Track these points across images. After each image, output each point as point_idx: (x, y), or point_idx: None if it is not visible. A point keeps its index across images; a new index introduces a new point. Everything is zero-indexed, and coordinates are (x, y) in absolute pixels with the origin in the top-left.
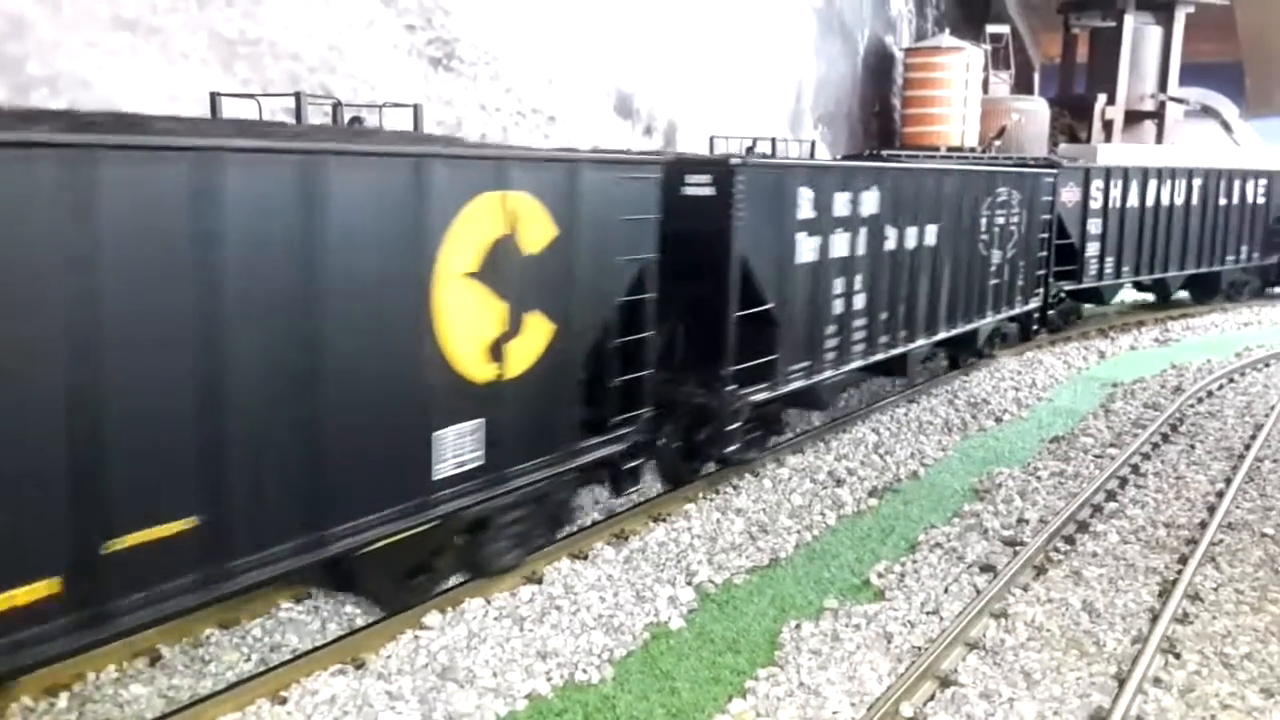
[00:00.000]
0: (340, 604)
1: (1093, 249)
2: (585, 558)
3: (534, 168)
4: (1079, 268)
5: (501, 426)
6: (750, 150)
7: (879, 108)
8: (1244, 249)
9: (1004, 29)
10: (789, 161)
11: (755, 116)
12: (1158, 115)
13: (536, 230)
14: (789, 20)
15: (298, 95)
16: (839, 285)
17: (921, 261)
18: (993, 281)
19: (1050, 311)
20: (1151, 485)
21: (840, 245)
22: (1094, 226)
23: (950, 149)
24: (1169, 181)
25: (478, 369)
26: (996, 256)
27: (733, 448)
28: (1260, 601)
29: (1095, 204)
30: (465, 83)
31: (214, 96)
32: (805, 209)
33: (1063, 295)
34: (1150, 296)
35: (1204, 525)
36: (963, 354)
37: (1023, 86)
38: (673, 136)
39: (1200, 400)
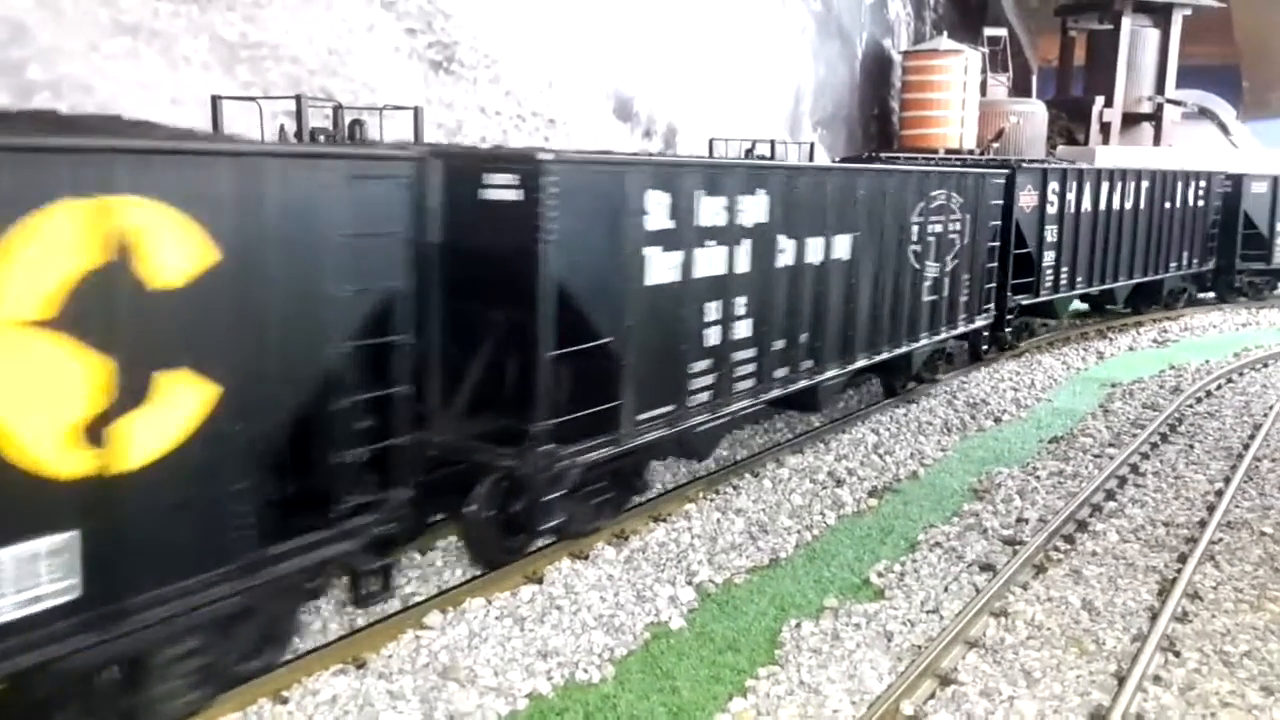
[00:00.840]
0: (341, 604)
1: (1049, 258)
2: (586, 558)
3: (170, 165)
4: (1036, 279)
5: (119, 539)
6: (749, 153)
7: (878, 111)
8: (1185, 255)
9: (1001, 32)
10: (628, 158)
11: (755, 120)
12: (1155, 117)
13: (176, 255)
14: (788, 24)
15: (298, 98)
16: (712, 310)
17: (830, 278)
18: (928, 298)
19: (1006, 329)
20: (1150, 485)
21: (711, 262)
22: (1050, 234)
23: (949, 151)
24: (1119, 184)
25: (59, 460)
26: (933, 270)
27: (554, 522)
28: (1259, 600)
29: (1052, 209)
30: (465, 86)
31: (215, 100)
32: (657, 218)
33: (1019, 309)
34: (1084, 307)
35: (1203, 524)
36: (897, 379)
37: (1020, 89)
38: (672, 139)
39: (1199, 400)
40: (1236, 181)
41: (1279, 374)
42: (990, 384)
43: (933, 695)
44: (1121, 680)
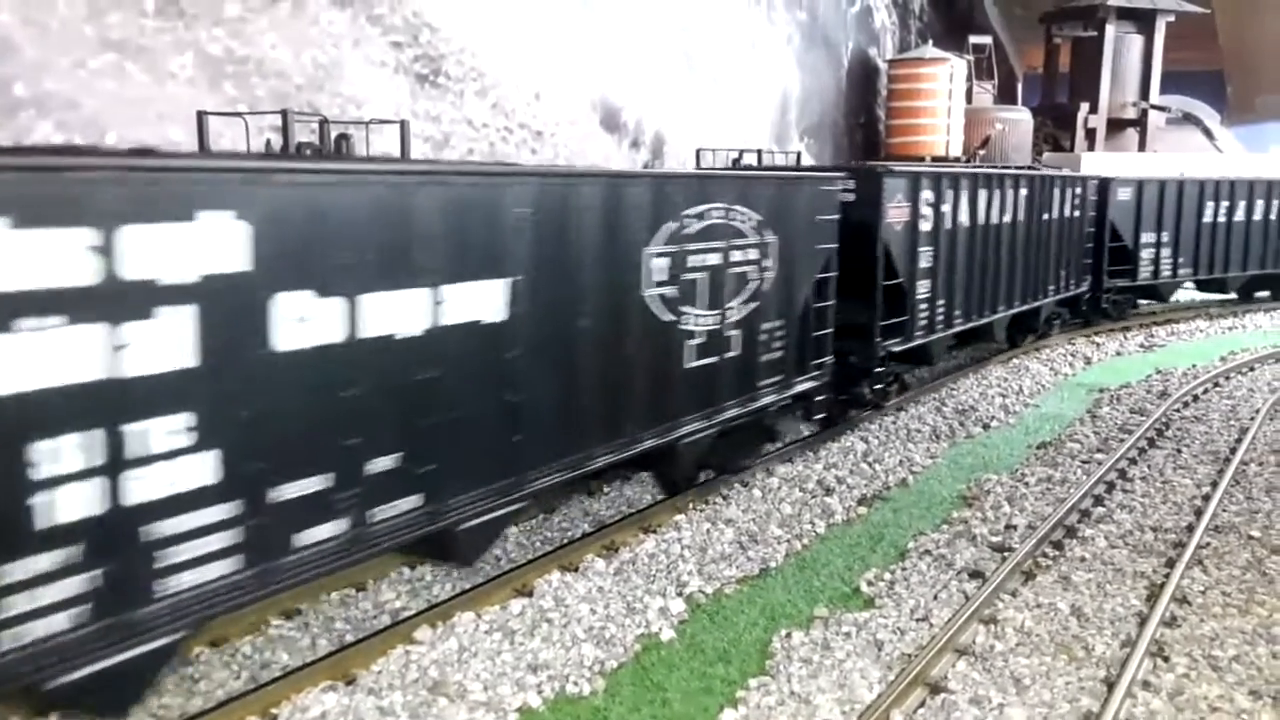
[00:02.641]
0: (330, 620)
1: (924, 289)
2: (576, 569)
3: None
4: (908, 319)
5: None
6: (735, 164)
7: (864, 119)
8: (1064, 275)
9: (986, 40)
10: None
11: (742, 129)
12: (1140, 123)
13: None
14: (774, 34)
15: (284, 113)
16: (66, 453)
17: (451, 357)
18: (697, 363)
19: (876, 385)
20: (1138, 490)
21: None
22: (925, 257)
23: (935, 159)
24: (997, 192)
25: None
26: (706, 321)
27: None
28: (1247, 604)
29: (925, 224)
30: (452, 99)
31: (201, 115)
32: None
33: (887, 356)
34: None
35: (1191, 529)
36: (674, 476)
37: (1006, 96)
38: (660, 149)
39: (1186, 405)
40: (1103, 187)
41: (1265, 378)
42: (978, 390)
43: (923, 704)
44: (1111, 686)
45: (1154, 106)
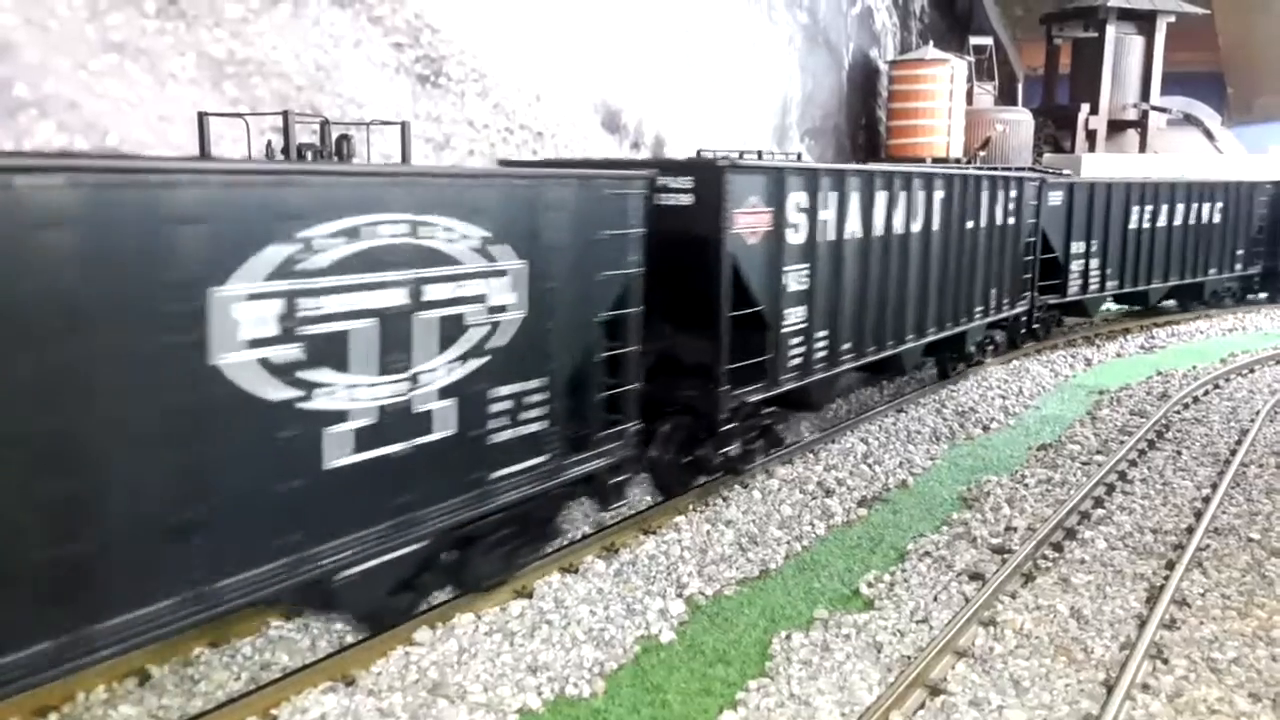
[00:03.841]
0: (330, 621)
1: (795, 319)
2: (575, 571)
3: None
4: (772, 357)
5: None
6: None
7: (865, 121)
8: (995, 294)
9: (987, 41)
10: None
11: (742, 131)
12: (1140, 124)
13: None
14: (775, 35)
15: (285, 114)
16: None
17: None
18: (349, 459)
19: (726, 448)
20: (1138, 492)
21: None
22: (797, 278)
23: (935, 160)
24: (903, 194)
25: None
26: (373, 398)
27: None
28: (1247, 606)
29: (796, 236)
30: (453, 100)
31: (202, 116)
32: None
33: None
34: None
35: (1191, 531)
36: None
37: (1006, 97)
38: (660, 151)
39: (1186, 406)
40: (1039, 191)
41: (1266, 380)
42: (979, 392)
43: (922, 705)
44: (1110, 688)
45: (1155, 108)
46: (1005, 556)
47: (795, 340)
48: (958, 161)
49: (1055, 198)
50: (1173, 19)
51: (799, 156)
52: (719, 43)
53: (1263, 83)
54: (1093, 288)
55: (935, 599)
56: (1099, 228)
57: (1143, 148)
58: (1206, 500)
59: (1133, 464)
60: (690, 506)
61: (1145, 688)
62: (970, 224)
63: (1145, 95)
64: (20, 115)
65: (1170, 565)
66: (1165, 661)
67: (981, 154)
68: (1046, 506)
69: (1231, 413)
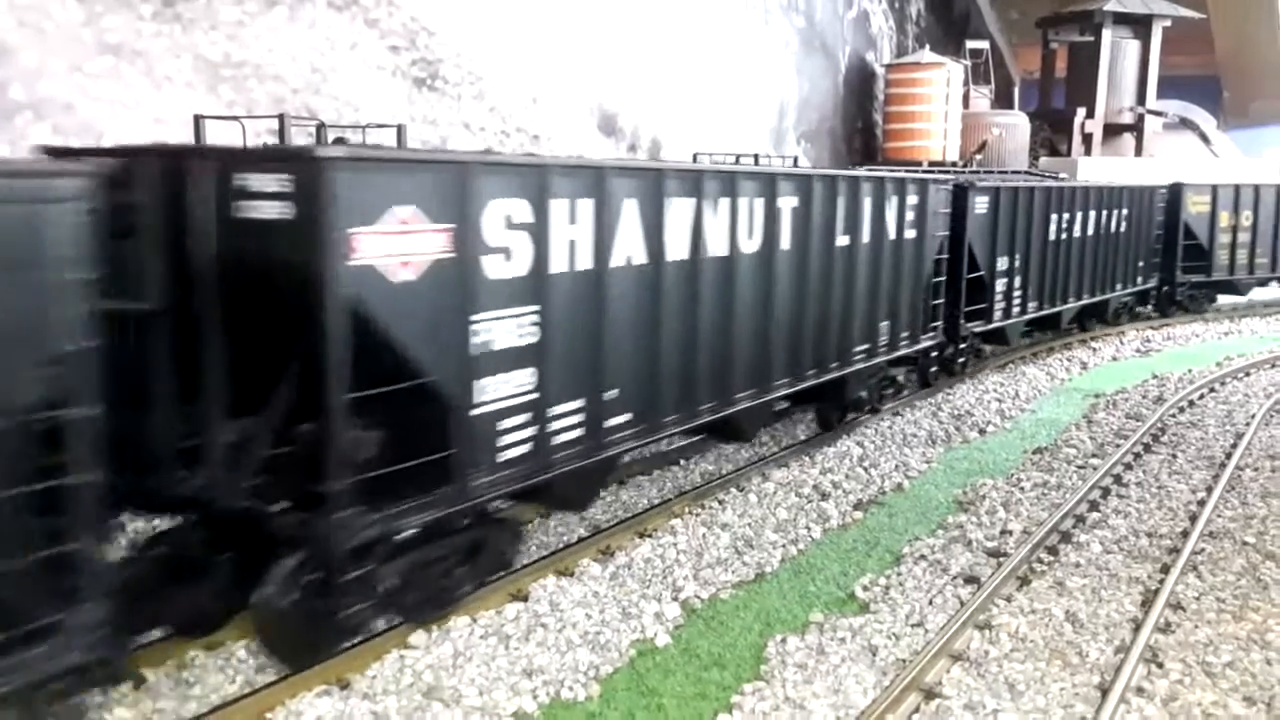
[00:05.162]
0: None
1: (508, 388)
2: (571, 574)
3: None
4: (464, 448)
5: None
6: None
7: (861, 124)
8: (885, 330)
9: (983, 44)
10: None
11: (739, 134)
12: (1136, 128)
13: None
14: (771, 39)
15: (281, 117)
16: None
17: None
18: None
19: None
20: (1134, 495)
21: None
22: (507, 330)
23: (932, 164)
24: (722, 202)
25: None
26: None
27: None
28: (1242, 610)
29: (503, 268)
30: (449, 102)
31: (198, 119)
32: None
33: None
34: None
35: (1186, 534)
36: None
37: (1003, 101)
38: (657, 154)
39: (1182, 410)
40: (960, 195)
41: (1261, 383)
42: (975, 395)
43: (917, 709)
44: (1105, 692)
45: (1151, 111)
46: (1000, 560)
47: (510, 420)
48: (954, 165)
49: (981, 205)
50: (1168, 23)
51: (795, 160)
52: (716, 46)
53: (1258, 86)
54: (1015, 311)
55: (930, 602)
56: (1021, 240)
57: (1139, 151)
58: (1202, 504)
59: (1128, 468)
60: (686, 509)
61: (1140, 691)
62: (845, 240)
63: (1141, 99)
64: (16, 118)
65: (1165, 569)
66: (1160, 665)
67: (978, 158)
68: (1042, 510)
69: (1227, 416)
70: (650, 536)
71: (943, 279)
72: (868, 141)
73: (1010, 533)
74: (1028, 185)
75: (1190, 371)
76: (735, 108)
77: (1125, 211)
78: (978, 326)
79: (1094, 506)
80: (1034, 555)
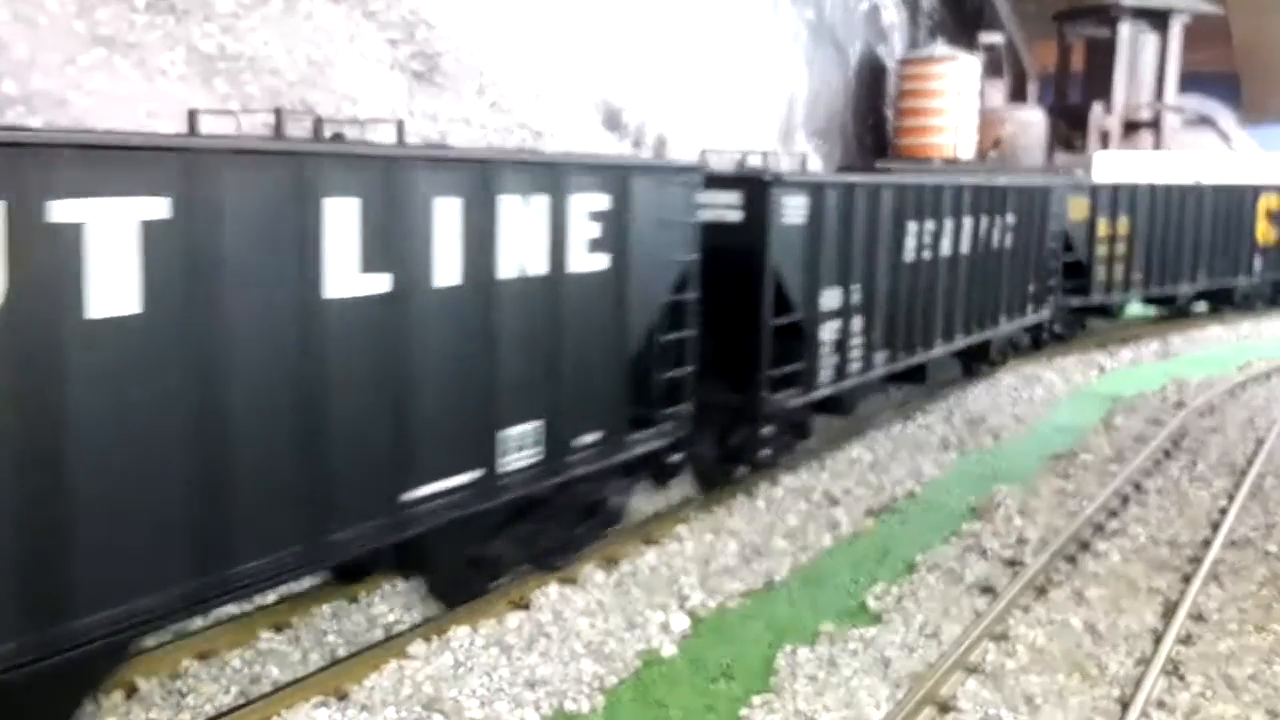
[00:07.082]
0: (322, 633)
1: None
2: (575, 583)
3: None
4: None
5: None
6: (740, 166)
7: (873, 120)
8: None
9: (998, 38)
10: None
11: (746, 130)
12: (1155, 124)
13: None
14: (780, 33)
15: (277, 111)
16: None
17: None
18: None
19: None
20: (1154, 503)
21: None
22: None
23: (946, 161)
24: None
25: None
26: None
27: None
28: (1265, 621)
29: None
30: (450, 97)
31: (192, 114)
32: None
33: None
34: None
35: (1207, 543)
36: None
37: (1018, 96)
38: (662, 150)
39: (1202, 415)
40: (759, 194)
41: None
42: (989, 399)
43: None
44: (1125, 706)
45: (1170, 108)
46: (1017, 569)
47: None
48: (967, 163)
49: (794, 210)
50: (1187, 18)
51: (803, 158)
52: (723, 40)
53: (1278, 83)
54: (854, 368)
55: (945, 613)
56: (860, 263)
57: (1157, 147)
58: (1223, 512)
59: (1148, 474)
60: (693, 516)
61: (1161, 705)
62: (523, 270)
63: (1160, 95)
64: (8, 111)
65: (1186, 579)
66: (1181, 678)
67: (993, 154)
68: (1060, 518)
69: (1248, 422)
70: (656, 544)
71: (684, 334)
72: (879, 137)
73: (1027, 541)
74: (871, 182)
75: (1210, 376)
76: (743, 103)
77: (1012, 219)
78: (796, 399)
79: (1113, 514)
80: (1052, 564)
